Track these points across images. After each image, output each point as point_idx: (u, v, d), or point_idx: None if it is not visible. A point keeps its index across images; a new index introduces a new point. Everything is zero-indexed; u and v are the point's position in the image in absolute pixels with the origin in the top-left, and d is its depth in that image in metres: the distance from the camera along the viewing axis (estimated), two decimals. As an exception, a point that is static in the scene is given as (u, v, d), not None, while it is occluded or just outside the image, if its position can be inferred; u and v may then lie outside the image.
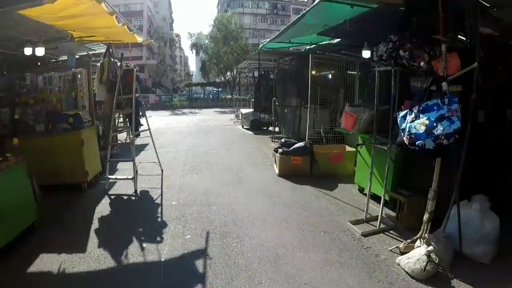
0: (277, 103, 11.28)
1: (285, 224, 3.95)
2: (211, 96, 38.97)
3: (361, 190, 5.29)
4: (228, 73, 41.99)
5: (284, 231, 3.76)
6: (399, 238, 3.69)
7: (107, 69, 6.30)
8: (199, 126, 15.56)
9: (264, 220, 4.03)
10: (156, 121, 19.10)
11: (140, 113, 9.74)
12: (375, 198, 4.45)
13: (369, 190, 4.15)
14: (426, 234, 3.37)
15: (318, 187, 5.50)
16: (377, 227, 3.96)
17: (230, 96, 36.54)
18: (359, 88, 7.32)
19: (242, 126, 14.18)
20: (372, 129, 4.39)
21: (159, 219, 4.17)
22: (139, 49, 52.09)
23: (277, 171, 6.19)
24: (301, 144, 6.06)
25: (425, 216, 3.40)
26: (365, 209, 4.16)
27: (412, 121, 2.85)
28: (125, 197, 5.21)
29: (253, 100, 22.09)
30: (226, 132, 13.11)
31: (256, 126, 12.64)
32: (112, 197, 5.23)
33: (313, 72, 6.82)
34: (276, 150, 6.44)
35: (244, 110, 14.52)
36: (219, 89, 41.54)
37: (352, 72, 7.37)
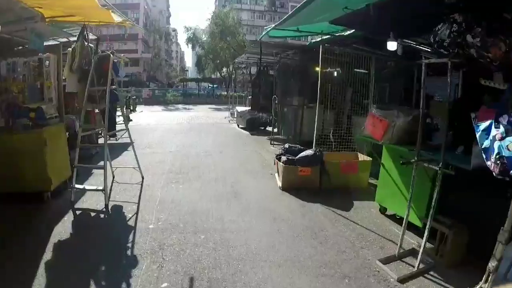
0: (276, 102, 10.30)
1: (297, 265, 2.94)
2: (206, 92, 37.78)
3: (383, 210, 4.35)
4: (224, 69, 40.90)
5: (296, 277, 2.76)
6: (445, 285, 2.76)
7: (79, 55, 5.26)
8: (192, 123, 14.52)
9: (268, 259, 3.02)
10: (147, 116, 18.06)
11: (118, 109, 8.58)
12: (400, 222, 3.52)
13: (406, 220, 3.18)
14: (487, 286, 2.45)
15: (330, 205, 4.52)
16: (416, 268, 3.01)
17: (225, 93, 35.45)
18: (374, 87, 6.36)
19: (238, 125, 13.17)
20: (407, 139, 3.45)
21: (129, 252, 3.14)
22: (135, 42, 50.88)
23: (280, 183, 5.20)
24: (309, 152, 5.06)
25: (491, 264, 2.45)
26: (399, 243, 3.20)
27: (502, 138, 1.89)
28: (92, 214, 4.18)
29: (249, 97, 21.16)
30: (220, 131, 12.09)
31: (253, 126, 11.64)
32: (78, 212, 4.20)
33: (323, 68, 5.81)
34: (278, 158, 5.46)
35: (240, 108, 13.50)
36: (214, 86, 40.32)
37: (360, 71, 6.36)
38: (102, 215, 4.16)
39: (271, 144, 9.15)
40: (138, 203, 4.50)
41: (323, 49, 5.63)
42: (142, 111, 21.64)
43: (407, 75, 7.16)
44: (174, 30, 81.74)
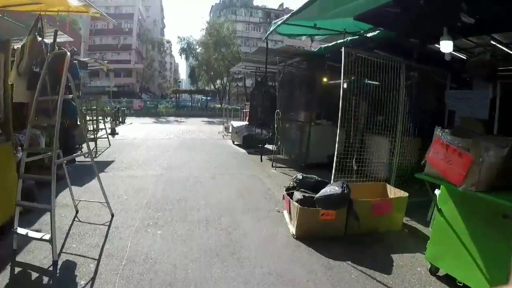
0: (279, 117, 9.08)
1: None
2: (199, 104, 36.50)
3: (434, 270, 3.07)
4: (218, 81, 39.82)
5: None
6: None
7: (28, 54, 4.00)
8: (183, 138, 13.19)
9: None
10: (136, 129, 16.71)
11: (78, 122, 7.27)
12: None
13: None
14: None
15: (363, 264, 3.22)
16: None
17: (219, 106, 34.31)
18: (404, 101, 5.14)
19: (233, 142, 11.90)
20: (501, 182, 2.22)
21: None
22: (128, 52, 49.86)
23: (293, 229, 3.88)
24: (334, 188, 3.72)
25: None
26: None
27: None
28: (34, 275, 2.84)
29: (245, 111, 19.94)
30: (214, 148, 10.79)
31: (250, 143, 10.35)
32: (17, 270, 2.88)
33: (348, 77, 4.57)
34: (289, 193, 4.17)
35: (236, 123, 12.22)
36: (208, 98, 39.00)
37: (372, 83, 5.15)
38: (46, 278, 2.82)
39: (272, 166, 7.86)
40: (98, 260, 3.14)
41: (347, 52, 4.41)
42: (131, 123, 20.31)
43: (436, 87, 6.01)
44: (168, 41, 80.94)
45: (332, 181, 4.41)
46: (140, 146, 10.52)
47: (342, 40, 5.87)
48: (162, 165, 7.60)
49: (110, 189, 5.21)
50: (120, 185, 5.76)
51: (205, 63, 35.51)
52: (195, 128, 18.22)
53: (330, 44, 6.67)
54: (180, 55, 36.80)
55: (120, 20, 50.35)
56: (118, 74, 49.61)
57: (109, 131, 13.94)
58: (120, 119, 19.48)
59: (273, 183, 6.27)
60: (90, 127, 9.85)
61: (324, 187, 3.91)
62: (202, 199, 5.12)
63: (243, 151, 10.27)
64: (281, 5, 65.99)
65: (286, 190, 4.33)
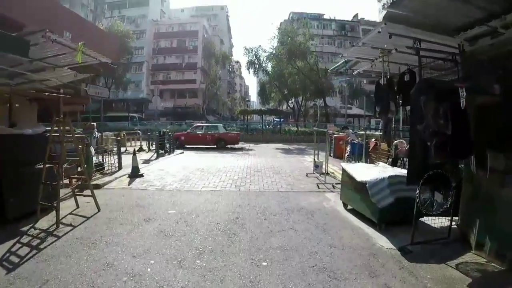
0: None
1: None
2: (271, 126, 30.81)
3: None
4: (292, 99, 34.19)
5: None
6: None
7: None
8: (245, 191, 7.30)
9: None
10: (179, 165, 11.44)
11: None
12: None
13: None
14: None
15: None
16: None
17: (295, 128, 28.39)
18: None
19: (345, 205, 5.75)
20: None
21: None
22: (193, 71, 47.37)
23: None
24: None
25: None
26: None
27: None
28: None
29: (337, 135, 13.60)
30: (309, 225, 4.77)
31: (398, 217, 4.18)
32: None
33: None
34: None
35: (359, 167, 5.92)
36: (281, 119, 32.89)
37: None
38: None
39: None
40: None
41: None
42: (182, 152, 15.44)
43: None
44: (237, 62, 78.52)
45: None
46: (152, 220, 4.99)
47: None
48: None
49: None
50: None
51: (276, 78, 30.15)
52: (267, 162, 12.41)
53: None
54: (248, 69, 31.80)
55: (184, 37, 48.76)
56: (183, 95, 47.39)
57: (127, 171, 8.92)
58: (168, 148, 14.75)
59: None
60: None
61: None
62: None
63: (387, 243, 4.06)
64: (356, 15, 59.08)
65: None
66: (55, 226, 4.54)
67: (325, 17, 55.22)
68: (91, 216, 5.14)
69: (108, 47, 25.84)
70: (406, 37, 4.53)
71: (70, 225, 4.71)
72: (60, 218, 4.68)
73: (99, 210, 5.41)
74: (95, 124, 14.92)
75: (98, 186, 7.33)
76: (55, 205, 4.60)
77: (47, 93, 7.15)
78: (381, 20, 4.70)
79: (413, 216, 3.88)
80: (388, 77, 6.31)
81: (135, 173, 8.80)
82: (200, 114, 37.76)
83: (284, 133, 26.57)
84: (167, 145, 14.76)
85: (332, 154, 13.20)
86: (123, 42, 32.56)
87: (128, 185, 7.81)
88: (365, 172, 5.01)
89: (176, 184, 7.88)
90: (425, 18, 4.01)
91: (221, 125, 21.40)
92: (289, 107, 35.51)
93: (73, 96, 8.60)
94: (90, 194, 5.50)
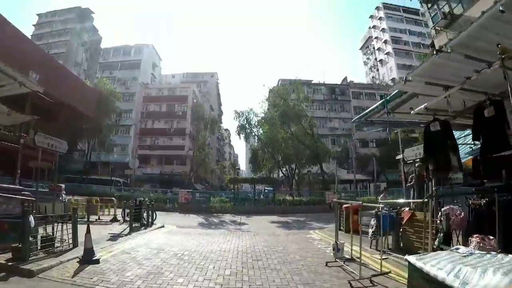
0: None
1: None
2: (263, 196, 28.07)
3: None
4: (286, 167, 32.18)
5: None
6: None
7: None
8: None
9: None
10: (157, 245, 8.24)
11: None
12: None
13: None
14: None
15: None
16: None
17: (290, 198, 25.93)
18: None
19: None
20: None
21: None
22: (182, 137, 45.83)
23: None
24: None
25: None
26: None
27: None
28: None
29: (347, 205, 11.07)
30: None
31: None
32: None
33: None
34: None
35: (446, 263, 3.43)
36: (273, 188, 30.15)
37: None
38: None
39: None
40: None
41: None
42: (162, 226, 12.56)
43: None
44: (227, 130, 78.42)
45: None
46: None
47: None
48: None
49: None
50: None
51: (270, 143, 28.39)
52: (266, 242, 9.64)
53: None
54: (239, 134, 30.04)
55: (174, 102, 48.26)
56: (170, 161, 45.28)
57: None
58: (145, 219, 11.97)
59: None
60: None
61: None
62: None
63: None
64: (345, 78, 60.74)
65: None
66: None
67: (314, 81, 56.25)
68: None
69: (83, 97, 24.30)
70: None
71: None
72: None
73: None
74: (63, 185, 12.63)
75: (30, 274, 5.02)
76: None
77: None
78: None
79: None
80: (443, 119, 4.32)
81: (88, 258, 6.13)
82: (187, 182, 35.05)
83: (278, 204, 23.91)
84: (145, 217, 12.03)
85: (342, 228, 10.45)
86: (108, 100, 31.28)
87: (72, 276, 5.20)
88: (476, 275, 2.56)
89: (139, 283, 5.17)
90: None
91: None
92: (283, 175, 33.33)
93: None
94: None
